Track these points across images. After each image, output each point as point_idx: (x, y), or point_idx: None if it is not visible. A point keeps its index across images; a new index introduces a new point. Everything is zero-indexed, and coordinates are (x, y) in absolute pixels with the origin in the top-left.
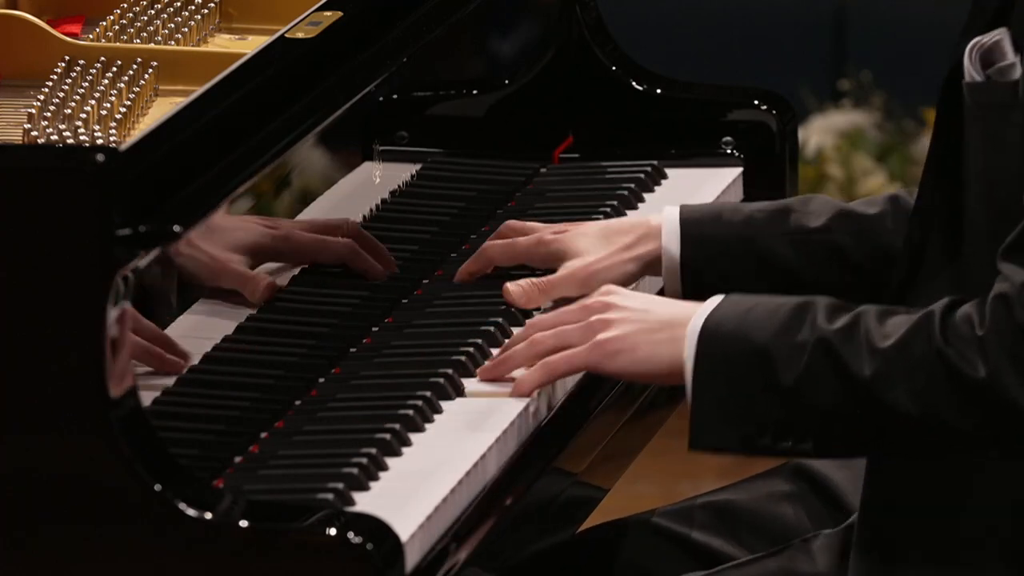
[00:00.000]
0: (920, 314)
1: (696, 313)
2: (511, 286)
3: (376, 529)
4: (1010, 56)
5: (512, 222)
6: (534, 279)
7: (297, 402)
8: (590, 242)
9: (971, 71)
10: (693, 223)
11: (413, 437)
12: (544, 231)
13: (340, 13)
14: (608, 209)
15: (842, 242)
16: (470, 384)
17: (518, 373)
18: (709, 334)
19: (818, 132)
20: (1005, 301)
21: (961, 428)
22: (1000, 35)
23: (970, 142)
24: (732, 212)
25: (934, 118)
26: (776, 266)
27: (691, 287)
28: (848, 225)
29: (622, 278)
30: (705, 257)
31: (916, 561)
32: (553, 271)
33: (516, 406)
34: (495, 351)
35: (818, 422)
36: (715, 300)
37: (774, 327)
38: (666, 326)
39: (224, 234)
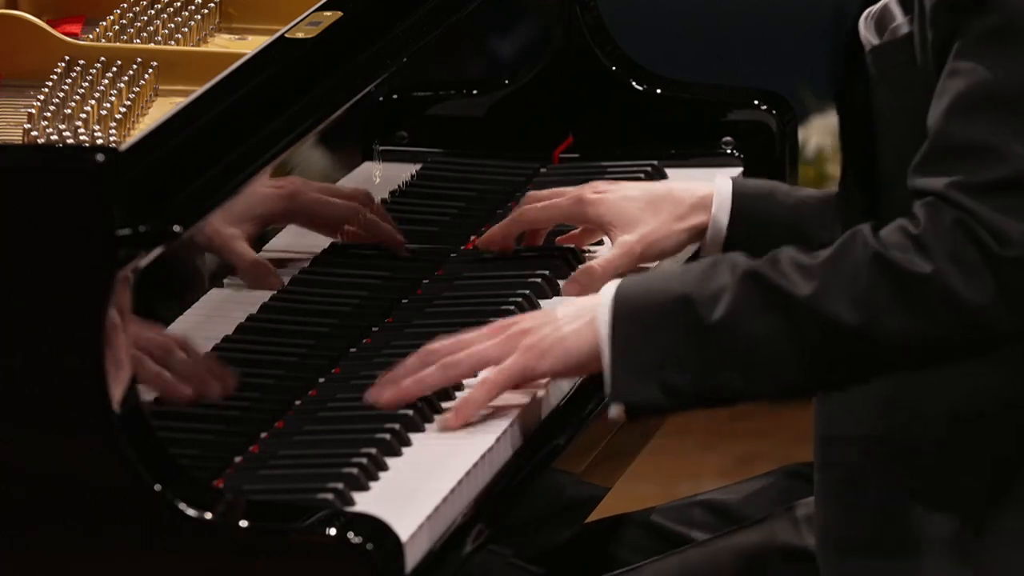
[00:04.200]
0: (846, 234)
1: (604, 291)
2: (566, 284)
3: (376, 529)
4: (899, 17)
5: (535, 192)
6: (588, 265)
7: (297, 402)
8: (638, 209)
9: (869, 38)
10: (745, 198)
11: (413, 437)
12: (584, 189)
13: (340, 13)
14: None
15: None
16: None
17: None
18: (621, 298)
19: (818, 132)
20: (932, 204)
21: (906, 332)
22: (886, 1)
23: (880, 111)
24: (784, 194)
25: (838, 111)
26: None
27: None
28: None
29: (675, 248)
30: (751, 234)
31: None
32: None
33: (516, 406)
34: None
35: (750, 353)
36: (617, 280)
37: (690, 278)
38: (581, 313)
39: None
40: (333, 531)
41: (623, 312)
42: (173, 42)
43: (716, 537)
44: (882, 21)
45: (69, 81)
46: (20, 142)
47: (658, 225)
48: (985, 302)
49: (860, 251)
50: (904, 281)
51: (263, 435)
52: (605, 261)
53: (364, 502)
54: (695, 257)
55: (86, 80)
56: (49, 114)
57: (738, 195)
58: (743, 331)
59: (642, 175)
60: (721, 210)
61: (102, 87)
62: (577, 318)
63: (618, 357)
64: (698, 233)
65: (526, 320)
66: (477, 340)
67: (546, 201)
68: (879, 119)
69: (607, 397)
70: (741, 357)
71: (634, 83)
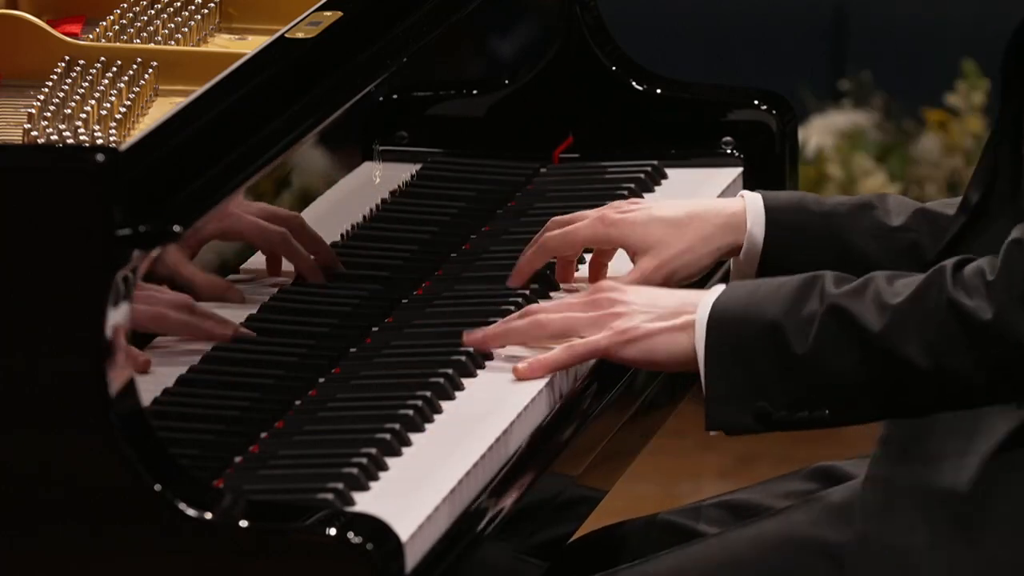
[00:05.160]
0: (931, 270)
1: (703, 300)
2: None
3: (376, 529)
4: None
5: (558, 217)
6: (604, 280)
7: (297, 402)
8: (662, 232)
9: None
10: (778, 210)
11: (413, 437)
12: (606, 210)
13: (340, 13)
14: None
15: (921, 241)
16: (488, 364)
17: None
18: (717, 318)
19: (818, 132)
20: (1018, 244)
21: (973, 377)
22: None
23: None
24: (815, 203)
25: (1003, 80)
26: (855, 260)
27: (768, 274)
28: (927, 224)
29: (700, 272)
30: (788, 245)
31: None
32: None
33: (516, 407)
34: (495, 352)
35: (833, 387)
36: (719, 287)
37: (782, 302)
38: (676, 314)
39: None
40: (333, 531)
41: (718, 335)
42: (173, 42)
43: (730, 529)
44: None
45: (69, 81)
46: (20, 142)
47: (683, 248)
48: None
49: (936, 294)
50: (970, 326)
51: (263, 435)
52: (619, 280)
53: (364, 502)
54: (725, 272)
55: (86, 80)
56: (49, 114)
57: (770, 209)
58: (827, 366)
59: (642, 175)
60: (756, 226)
61: (102, 87)
62: (674, 316)
63: (713, 383)
64: (728, 252)
65: (627, 295)
66: (572, 307)
67: (567, 227)
68: None
69: (706, 419)
70: (826, 391)
71: (634, 83)
